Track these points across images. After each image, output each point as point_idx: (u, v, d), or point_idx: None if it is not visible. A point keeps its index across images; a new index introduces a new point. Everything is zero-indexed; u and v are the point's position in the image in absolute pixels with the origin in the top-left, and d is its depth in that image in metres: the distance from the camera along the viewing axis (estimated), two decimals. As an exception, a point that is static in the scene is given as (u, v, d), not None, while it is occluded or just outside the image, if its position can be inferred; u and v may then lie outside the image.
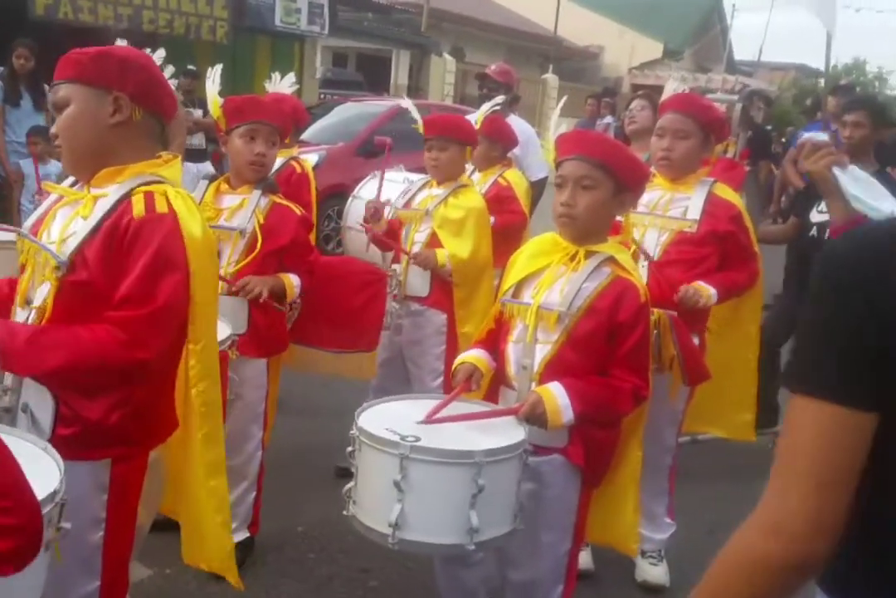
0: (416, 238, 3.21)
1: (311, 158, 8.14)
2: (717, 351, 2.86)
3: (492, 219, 3.78)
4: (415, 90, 16.81)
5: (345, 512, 1.90)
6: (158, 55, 1.85)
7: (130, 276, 1.58)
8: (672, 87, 3.17)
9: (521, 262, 2.13)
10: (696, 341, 2.73)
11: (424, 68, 17.21)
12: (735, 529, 3.53)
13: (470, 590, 2.18)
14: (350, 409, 4.23)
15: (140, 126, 1.71)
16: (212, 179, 2.74)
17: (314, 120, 9.66)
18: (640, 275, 2.09)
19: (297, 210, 2.68)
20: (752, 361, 3.07)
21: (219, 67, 2.96)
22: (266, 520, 2.92)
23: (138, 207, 1.61)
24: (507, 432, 1.90)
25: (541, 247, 2.13)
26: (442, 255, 3.12)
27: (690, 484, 3.63)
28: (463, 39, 20.39)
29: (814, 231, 3.89)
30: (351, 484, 1.90)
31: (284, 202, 2.69)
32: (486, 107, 3.82)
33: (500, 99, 4.03)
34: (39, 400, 1.60)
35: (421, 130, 3.26)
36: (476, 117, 3.87)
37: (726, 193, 2.77)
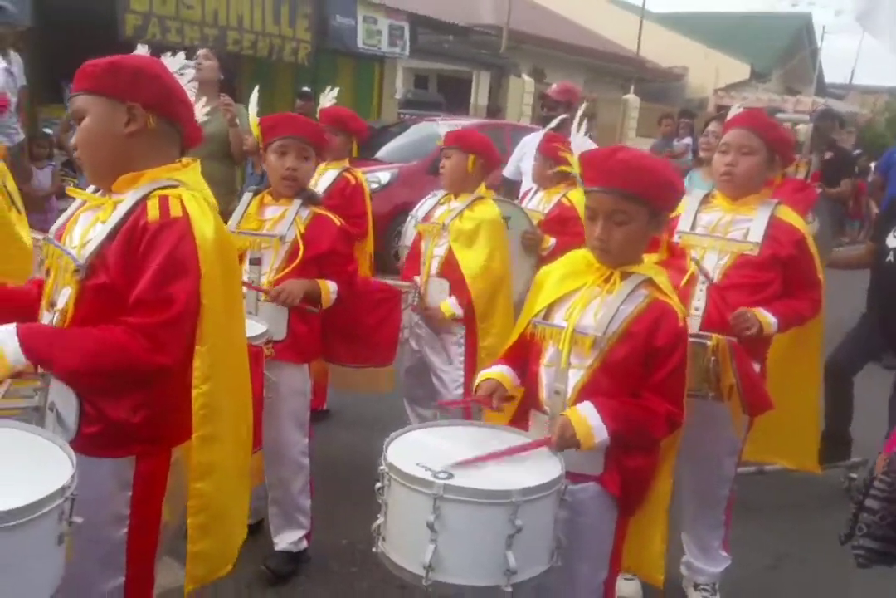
0: (434, 252, 3.25)
1: (383, 177, 8.37)
2: (779, 380, 2.74)
3: (552, 240, 3.76)
4: (494, 111, 16.93)
5: (374, 549, 1.83)
6: (179, 58, 1.88)
7: (143, 279, 1.60)
8: (736, 110, 3.10)
9: (553, 282, 2.07)
10: (757, 368, 2.62)
11: (503, 89, 17.31)
12: (798, 564, 3.35)
13: None
14: (404, 422, 4.25)
15: (156, 134, 1.73)
16: (256, 192, 2.80)
17: (390, 138, 9.82)
18: (678, 298, 2.00)
19: (338, 221, 2.71)
20: (815, 390, 2.94)
21: (255, 92, 3.07)
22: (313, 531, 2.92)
23: (153, 211, 1.63)
24: (544, 466, 1.82)
25: (573, 267, 2.07)
26: (447, 307, 3.17)
27: (755, 516, 3.49)
28: (543, 61, 20.45)
29: (891, 257, 3.73)
30: (380, 520, 1.83)
31: (325, 213, 2.73)
32: (581, 139, 3.78)
33: (559, 118, 3.99)
34: (64, 399, 1.63)
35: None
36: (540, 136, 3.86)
37: (790, 216, 2.66)
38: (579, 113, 2.87)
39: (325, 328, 2.79)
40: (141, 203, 1.66)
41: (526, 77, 17.86)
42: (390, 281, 3.30)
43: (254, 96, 3.23)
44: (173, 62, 2.08)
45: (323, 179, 4.06)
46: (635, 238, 1.97)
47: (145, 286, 1.60)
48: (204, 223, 1.67)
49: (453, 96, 18.41)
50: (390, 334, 3.01)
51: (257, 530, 2.97)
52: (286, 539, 2.80)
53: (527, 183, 4.78)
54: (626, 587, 2.81)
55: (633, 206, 1.91)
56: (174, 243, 1.62)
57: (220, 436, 1.78)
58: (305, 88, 7.76)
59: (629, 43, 22.18)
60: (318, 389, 4.18)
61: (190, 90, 1.96)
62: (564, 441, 1.85)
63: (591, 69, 22.35)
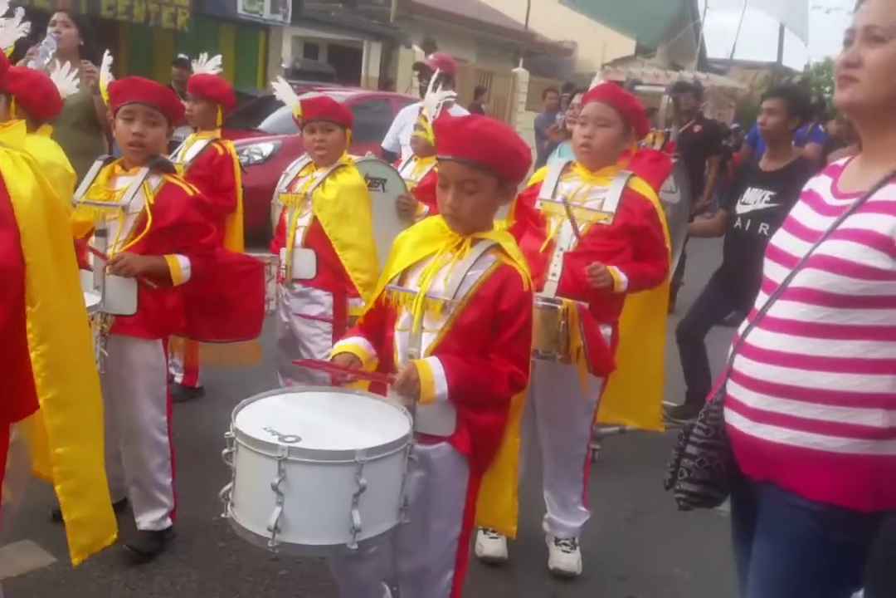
0: (298, 223, 3.27)
1: (265, 148, 8.18)
2: (627, 345, 2.88)
3: (426, 207, 3.80)
4: (385, 82, 16.74)
5: (223, 515, 1.85)
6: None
7: None
8: (597, 81, 3.20)
9: (407, 248, 2.11)
10: (608, 331, 2.74)
11: (394, 60, 17.15)
12: (654, 519, 3.53)
13: (362, 582, 2.17)
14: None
15: None
16: (106, 161, 2.71)
17: (274, 109, 9.57)
18: (525, 263, 2.07)
19: (190, 190, 2.65)
20: (659, 355, 3.11)
21: (107, 59, 2.96)
22: (180, 509, 2.89)
23: None
24: (391, 427, 1.86)
25: (427, 233, 2.12)
26: (357, 310, 3.20)
27: (615, 474, 3.66)
28: (435, 32, 20.28)
29: (738, 223, 3.94)
30: (229, 486, 1.85)
31: (177, 182, 2.66)
32: (436, 97, 3.79)
33: (452, 93, 4.00)
34: None
35: (295, 112, 3.33)
36: (425, 107, 3.82)
37: (642, 187, 2.78)
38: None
39: (187, 305, 2.73)
40: None
41: (417, 48, 17.71)
42: (254, 254, 3.27)
43: (106, 59, 3.11)
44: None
45: (192, 149, 3.95)
46: (485, 206, 2.03)
47: None
48: (19, 180, 1.62)
49: (344, 67, 18.06)
50: (254, 306, 3.00)
51: (120, 509, 2.92)
52: (148, 518, 2.76)
53: (406, 155, 4.78)
54: (491, 546, 2.92)
55: (481, 175, 1.96)
56: None
57: (69, 398, 1.75)
58: (182, 56, 7.45)
59: (520, 16, 22.27)
60: (189, 367, 4.12)
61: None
62: (408, 385, 1.90)
63: (483, 42, 22.36)
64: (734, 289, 3.97)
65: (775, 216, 3.77)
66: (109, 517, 1.99)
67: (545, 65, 23.83)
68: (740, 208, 3.96)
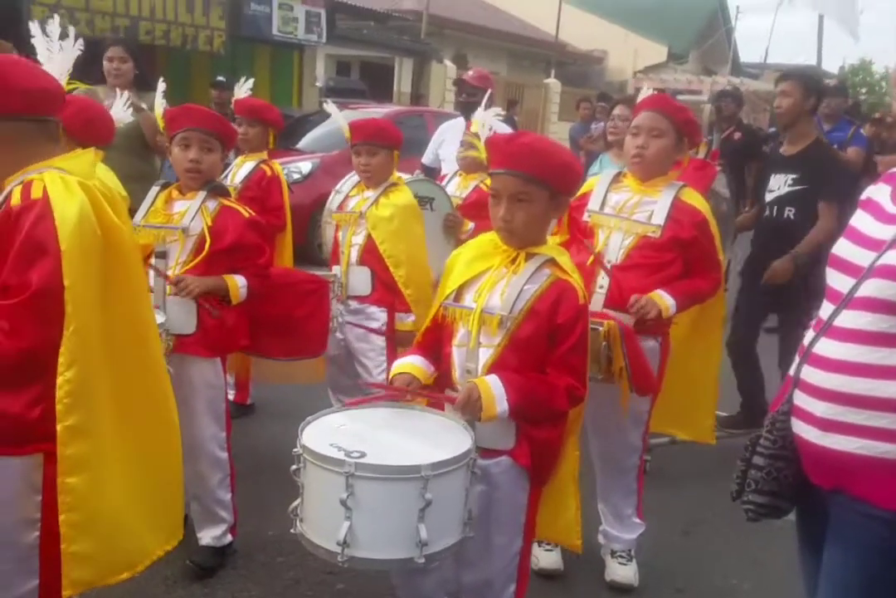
0: (353, 241, 3.32)
1: (304, 167, 8.30)
2: (681, 356, 2.86)
3: (471, 224, 3.83)
4: (416, 97, 16.91)
5: (292, 530, 1.88)
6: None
7: (7, 264, 1.59)
8: (645, 91, 3.20)
9: (462, 265, 2.14)
10: (657, 343, 2.74)
11: (426, 75, 17.31)
12: (709, 530, 3.50)
13: (426, 595, 2.19)
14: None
15: (11, 140, 1.69)
16: (163, 186, 2.79)
17: (311, 128, 9.71)
18: (579, 276, 2.09)
19: (245, 212, 2.72)
20: (715, 366, 3.07)
21: (161, 86, 3.04)
22: (239, 525, 2.94)
23: (15, 196, 1.63)
24: (454, 441, 1.89)
25: (481, 250, 2.15)
26: (402, 325, 3.30)
27: (668, 485, 3.63)
28: (465, 46, 20.48)
29: (767, 211, 3.92)
30: (297, 502, 1.88)
31: (233, 205, 2.73)
32: (488, 114, 3.81)
33: (500, 110, 4.02)
34: None
35: (346, 135, 3.35)
36: (474, 124, 3.82)
37: (693, 198, 2.74)
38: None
39: (253, 323, 2.79)
40: (11, 192, 1.66)
41: (448, 63, 17.87)
42: (319, 272, 3.32)
43: (160, 86, 3.19)
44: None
45: (241, 171, 4.03)
46: (537, 219, 2.05)
47: (7, 271, 1.60)
48: (66, 203, 1.64)
49: (377, 83, 18.30)
50: (320, 323, 3.05)
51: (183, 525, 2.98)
52: (209, 534, 2.81)
53: (446, 170, 4.83)
54: (546, 558, 2.92)
55: (534, 188, 1.99)
56: (30, 226, 1.61)
57: (91, 428, 1.69)
58: (220, 78, 7.61)
59: (549, 27, 22.35)
60: (241, 383, 4.19)
61: (59, 72, 1.90)
62: (469, 404, 1.92)
63: (513, 54, 22.49)
64: (760, 278, 3.86)
65: (801, 200, 3.74)
66: (128, 557, 1.83)
67: (576, 74, 23.87)
68: (767, 196, 3.94)
